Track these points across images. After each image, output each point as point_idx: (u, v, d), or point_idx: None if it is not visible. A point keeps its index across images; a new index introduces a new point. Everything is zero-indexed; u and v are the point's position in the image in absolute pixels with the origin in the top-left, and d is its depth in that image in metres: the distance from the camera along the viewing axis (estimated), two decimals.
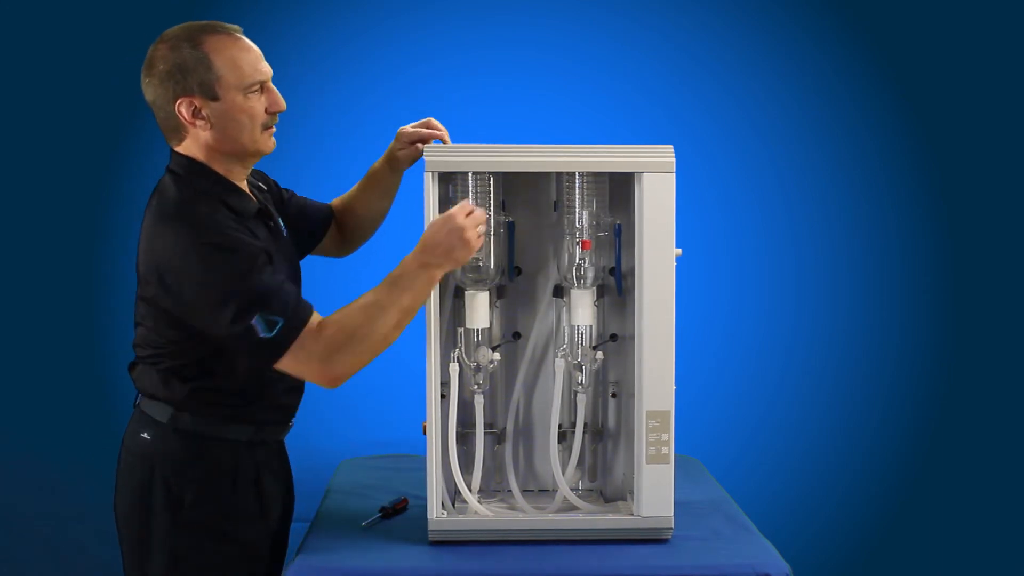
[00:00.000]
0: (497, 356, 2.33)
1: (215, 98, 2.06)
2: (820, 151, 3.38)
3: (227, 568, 2.17)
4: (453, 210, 2.10)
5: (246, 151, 2.13)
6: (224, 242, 1.99)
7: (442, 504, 2.25)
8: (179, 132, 2.10)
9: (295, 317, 2.00)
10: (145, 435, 2.13)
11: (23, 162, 3.27)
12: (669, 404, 2.21)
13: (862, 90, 3.36)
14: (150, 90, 2.10)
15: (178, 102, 2.06)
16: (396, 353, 3.26)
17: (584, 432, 2.34)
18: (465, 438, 2.38)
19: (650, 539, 2.25)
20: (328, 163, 3.28)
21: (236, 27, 2.12)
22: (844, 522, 3.40)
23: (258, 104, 2.10)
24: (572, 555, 2.19)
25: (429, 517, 2.22)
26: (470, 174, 2.25)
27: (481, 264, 2.28)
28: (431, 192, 2.17)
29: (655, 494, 2.23)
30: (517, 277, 2.40)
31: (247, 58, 2.08)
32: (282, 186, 2.49)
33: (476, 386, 2.33)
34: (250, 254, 2.00)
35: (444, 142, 2.43)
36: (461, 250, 2.09)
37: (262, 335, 1.98)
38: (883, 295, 3.41)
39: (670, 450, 2.22)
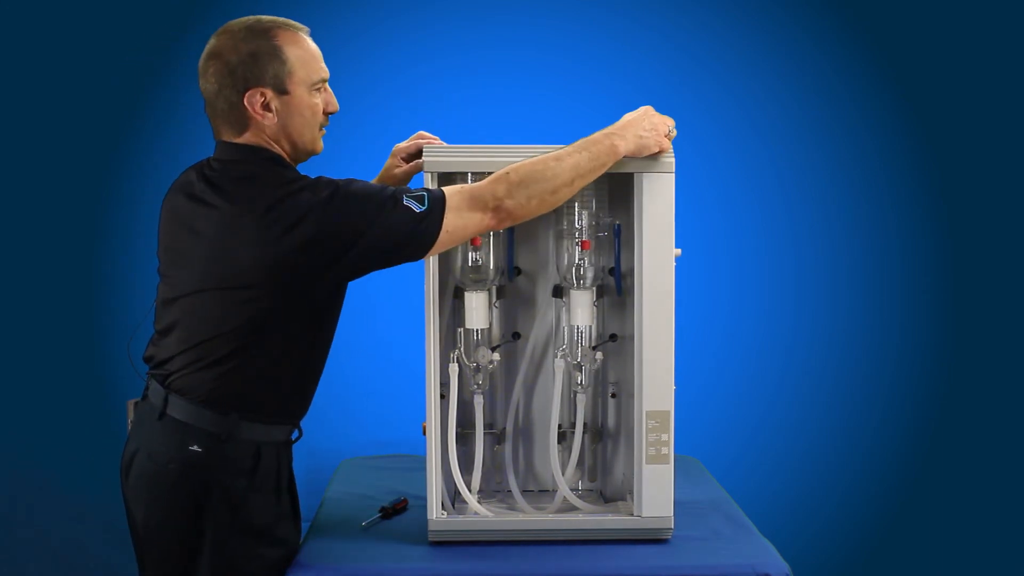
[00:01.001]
0: (497, 356, 2.33)
1: (285, 92, 2.08)
2: (820, 151, 3.38)
3: (274, 572, 2.14)
4: (650, 109, 2.20)
5: (304, 148, 2.16)
6: (344, 181, 2.08)
7: (442, 504, 2.25)
8: (241, 123, 2.09)
9: (430, 189, 2.09)
10: (196, 447, 2.05)
11: (23, 162, 3.27)
12: (669, 404, 2.22)
13: (862, 90, 3.36)
14: (214, 79, 2.08)
15: (248, 93, 2.06)
16: (396, 353, 3.29)
17: (584, 432, 2.34)
18: (465, 438, 2.38)
19: (650, 539, 2.25)
20: (328, 163, 3.27)
21: (303, 27, 2.15)
22: (844, 522, 3.40)
23: (320, 102, 2.14)
24: (572, 555, 2.19)
25: (429, 517, 2.22)
26: (470, 174, 2.25)
27: (481, 264, 2.28)
28: None
29: (655, 494, 2.23)
30: (517, 277, 2.40)
31: (315, 55, 2.13)
32: None
33: (476, 386, 2.33)
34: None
35: None
36: (650, 138, 2.16)
37: (418, 210, 2.02)
38: (883, 295, 3.41)
39: (670, 450, 2.23)
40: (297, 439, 2.22)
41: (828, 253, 3.40)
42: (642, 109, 2.21)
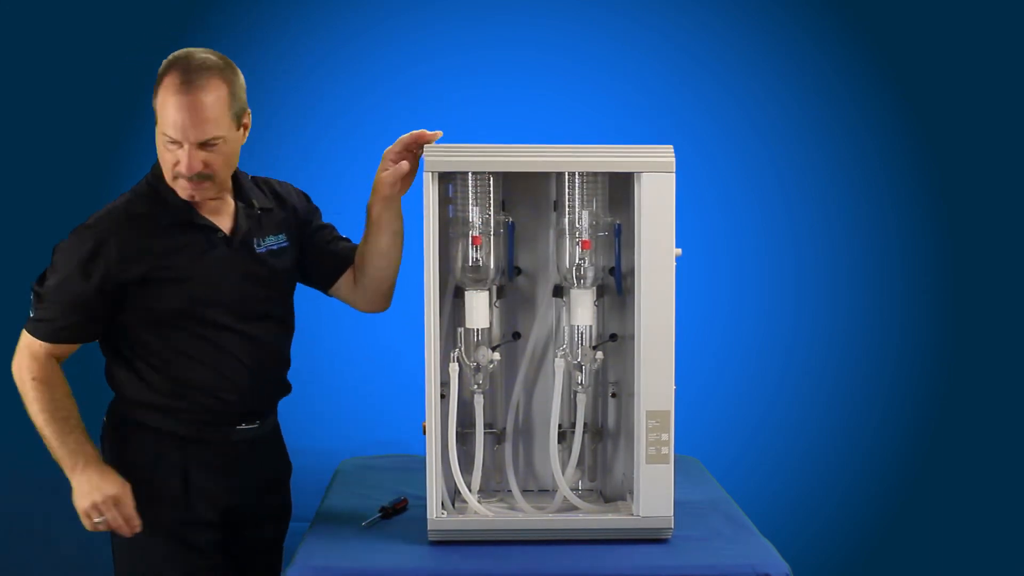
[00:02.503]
0: (497, 356, 2.33)
1: (156, 123, 2.20)
2: (820, 151, 3.38)
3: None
4: (94, 508, 2.22)
5: (165, 175, 2.24)
6: (78, 239, 2.24)
7: (442, 504, 2.25)
8: None
9: (32, 322, 2.28)
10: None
11: (23, 162, 3.27)
12: (669, 404, 2.21)
13: (862, 90, 3.36)
14: None
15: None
16: (396, 353, 3.29)
17: (584, 432, 2.34)
18: (465, 438, 2.37)
19: (650, 539, 2.25)
20: (328, 163, 3.28)
21: (208, 76, 2.16)
22: (844, 522, 3.40)
23: (168, 155, 2.19)
24: (572, 555, 2.19)
25: (429, 517, 2.22)
26: (470, 174, 2.25)
27: (481, 264, 2.28)
28: (431, 192, 2.17)
29: (655, 494, 2.22)
30: (517, 277, 2.40)
31: (175, 111, 2.15)
32: (313, 206, 2.52)
33: (476, 386, 2.33)
34: (73, 260, 2.24)
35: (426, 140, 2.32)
36: (77, 501, 2.22)
37: (30, 312, 2.30)
38: (883, 295, 3.41)
39: (670, 450, 2.22)
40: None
41: (828, 253, 3.40)
42: (99, 492, 2.22)
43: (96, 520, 2.21)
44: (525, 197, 2.38)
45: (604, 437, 2.43)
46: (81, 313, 2.25)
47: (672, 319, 2.20)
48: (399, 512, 2.44)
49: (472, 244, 2.27)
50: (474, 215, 2.27)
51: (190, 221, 2.26)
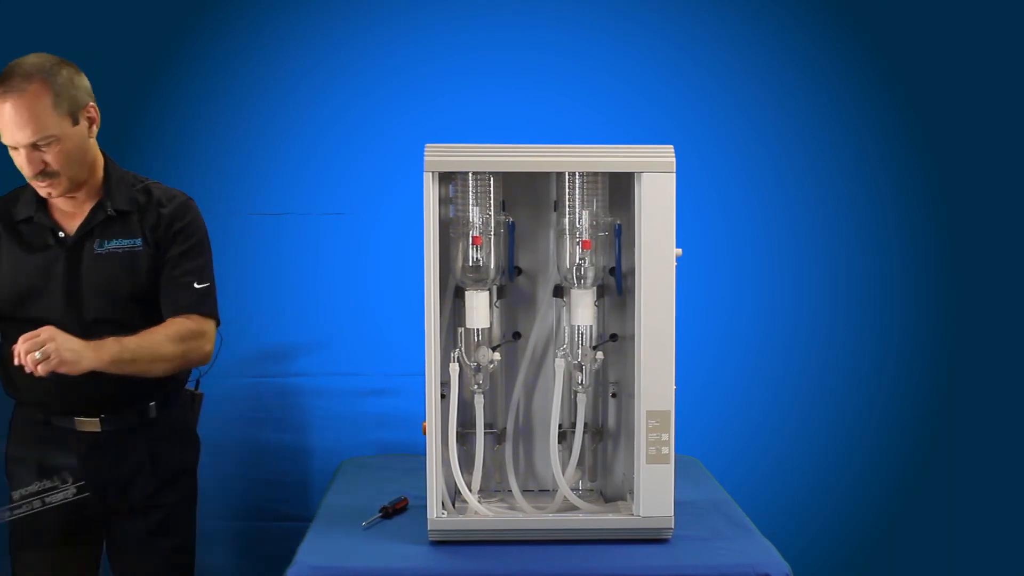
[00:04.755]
0: (497, 356, 2.33)
1: None
2: (820, 151, 3.37)
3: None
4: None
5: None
6: None
7: (442, 504, 2.25)
8: None
9: None
10: None
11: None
12: (669, 404, 2.22)
13: (862, 90, 3.36)
14: None
15: None
16: (396, 353, 3.28)
17: (584, 432, 2.34)
18: (465, 438, 2.38)
19: (650, 539, 2.25)
20: (327, 163, 3.28)
21: (29, 80, 2.25)
22: (844, 522, 3.40)
23: (16, 158, 2.31)
24: (572, 555, 2.19)
25: (429, 517, 2.22)
26: (470, 174, 2.25)
27: (481, 264, 2.28)
28: (431, 192, 2.17)
29: (655, 494, 2.23)
30: (517, 277, 2.40)
31: (2, 123, 2.27)
32: (182, 232, 2.49)
33: (476, 386, 2.33)
34: None
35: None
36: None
37: None
38: (883, 295, 3.40)
39: (670, 450, 2.23)
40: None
41: (828, 253, 3.39)
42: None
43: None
44: (525, 197, 2.38)
45: (604, 437, 2.43)
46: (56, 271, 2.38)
47: (672, 319, 2.20)
48: (399, 512, 2.45)
49: (472, 244, 2.27)
50: (474, 215, 2.27)
51: (30, 218, 2.41)
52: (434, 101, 3.28)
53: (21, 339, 2.17)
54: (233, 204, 3.19)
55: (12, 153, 2.31)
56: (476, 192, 2.27)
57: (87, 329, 2.30)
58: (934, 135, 3.36)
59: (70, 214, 2.42)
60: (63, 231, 2.41)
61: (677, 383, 2.22)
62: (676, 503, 2.24)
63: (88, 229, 2.41)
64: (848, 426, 3.41)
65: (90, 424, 2.43)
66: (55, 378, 2.23)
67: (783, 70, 3.35)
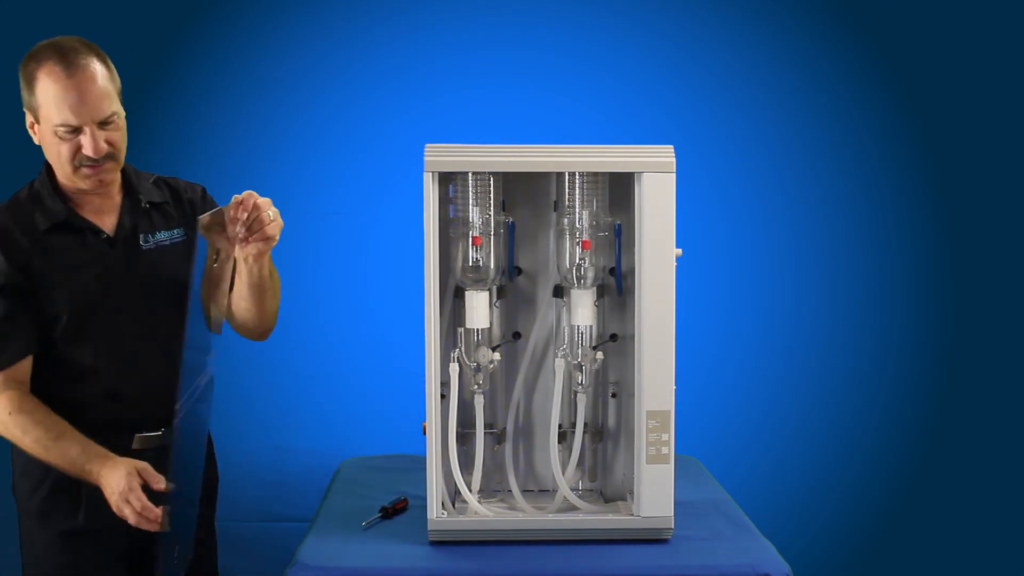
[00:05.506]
0: (497, 356, 2.33)
1: (39, 122, 2.14)
2: (820, 151, 3.38)
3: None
4: (131, 489, 2.06)
5: (60, 175, 2.18)
6: None
7: (442, 504, 2.25)
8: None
9: None
10: None
11: (23, 162, 3.26)
12: (669, 404, 2.21)
13: (862, 90, 3.36)
14: None
15: (25, 110, 2.16)
16: (396, 353, 3.29)
17: (584, 432, 2.34)
18: (465, 438, 2.38)
19: (650, 539, 2.25)
20: (327, 164, 3.28)
21: (84, 62, 2.09)
22: (844, 522, 3.40)
23: (66, 146, 2.11)
24: (572, 555, 2.19)
25: (429, 517, 2.22)
26: (470, 174, 2.25)
27: (481, 264, 2.28)
28: (431, 192, 2.17)
29: (655, 494, 2.23)
30: (517, 277, 2.40)
31: (65, 98, 2.08)
32: (209, 200, 2.39)
33: (476, 386, 2.33)
34: None
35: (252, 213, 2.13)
36: (110, 498, 2.07)
37: None
38: (883, 295, 3.40)
39: (670, 450, 2.22)
40: None
41: (828, 253, 3.40)
42: (126, 482, 2.06)
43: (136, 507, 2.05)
44: (525, 197, 2.38)
45: (604, 437, 2.43)
46: (9, 325, 2.15)
47: (672, 319, 2.20)
48: (399, 512, 2.44)
49: (472, 244, 2.27)
50: (474, 215, 2.27)
51: (68, 223, 2.19)
52: (434, 101, 3.28)
53: (252, 202, 2.03)
54: None
55: (63, 139, 2.09)
56: (476, 192, 2.27)
57: (155, 331, 2.21)
58: (934, 135, 3.37)
59: (99, 212, 2.23)
60: (104, 231, 2.22)
61: (677, 383, 2.22)
62: (676, 503, 2.24)
63: (132, 224, 2.23)
64: (848, 426, 3.41)
65: (149, 440, 2.24)
66: (129, 391, 2.19)
67: (783, 70, 3.35)
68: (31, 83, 2.10)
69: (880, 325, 3.41)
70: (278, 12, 3.28)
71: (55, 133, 2.10)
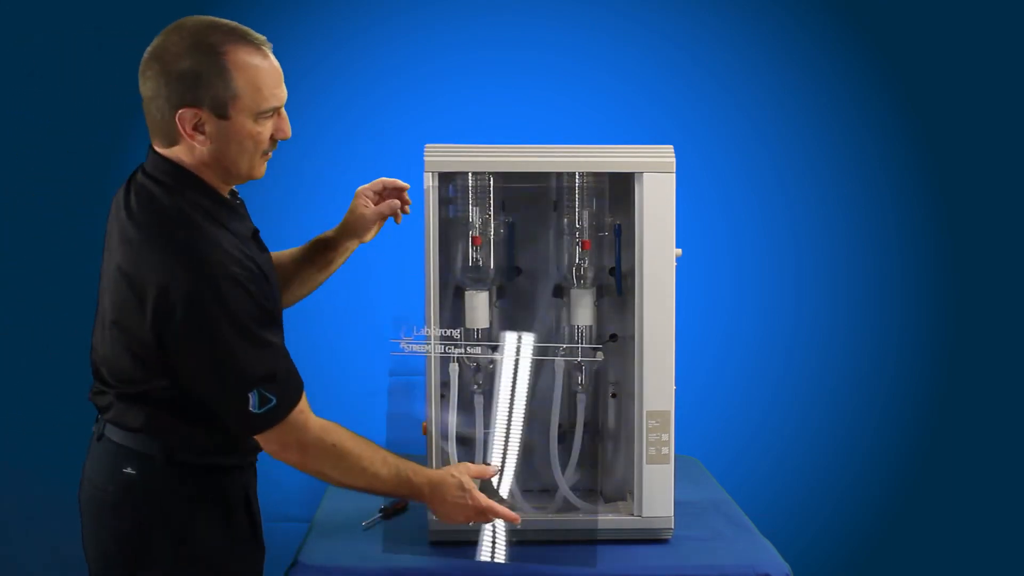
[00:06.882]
0: (497, 356, 2.33)
1: (224, 116, 1.86)
2: (820, 151, 3.38)
3: None
4: (479, 497, 2.07)
5: (237, 175, 1.94)
6: (239, 286, 1.82)
7: None
8: (170, 137, 1.88)
9: (287, 398, 1.91)
10: (129, 470, 1.90)
11: (22, 163, 3.27)
12: (669, 404, 2.22)
13: (862, 90, 3.36)
14: (152, 83, 1.85)
15: (182, 111, 1.84)
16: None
17: (584, 432, 2.34)
18: (465, 438, 2.37)
19: (650, 539, 2.25)
20: (326, 164, 3.28)
21: (263, 38, 1.91)
22: (844, 522, 3.40)
23: (266, 129, 1.91)
24: (572, 555, 2.19)
25: (429, 517, 2.22)
26: (470, 174, 2.25)
27: (481, 264, 2.28)
28: (431, 192, 2.17)
29: (655, 494, 2.23)
30: (517, 277, 2.40)
31: (269, 80, 1.88)
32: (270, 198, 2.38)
33: (476, 386, 2.33)
34: (264, 311, 1.86)
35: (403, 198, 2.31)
36: (454, 517, 2.08)
37: (252, 409, 1.86)
38: (883, 295, 3.40)
39: (670, 450, 2.23)
40: (249, 464, 2.07)
41: (828, 253, 3.39)
42: (467, 491, 2.07)
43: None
44: (525, 197, 2.38)
45: (604, 437, 2.43)
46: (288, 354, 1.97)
47: (672, 319, 2.20)
48: (399, 512, 2.45)
49: (472, 244, 2.27)
50: (474, 215, 2.27)
51: (253, 234, 2.00)
52: (434, 101, 3.28)
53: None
54: None
55: (259, 124, 1.89)
56: (476, 192, 2.27)
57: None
58: (934, 135, 3.36)
59: None
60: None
61: (677, 383, 2.22)
62: (676, 503, 2.24)
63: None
64: (848, 426, 3.41)
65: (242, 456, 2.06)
66: None
67: (783, 70, 3.35)
68: (225, 73, 1.83)
69: (880, 325, 3.41)
70: (278, 12, 3.28)
71: (257, 120, 1.88)
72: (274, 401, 1.88)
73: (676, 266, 2.20)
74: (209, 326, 1.80)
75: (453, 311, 2.32)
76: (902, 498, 3.41)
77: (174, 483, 1.92)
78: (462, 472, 2.09)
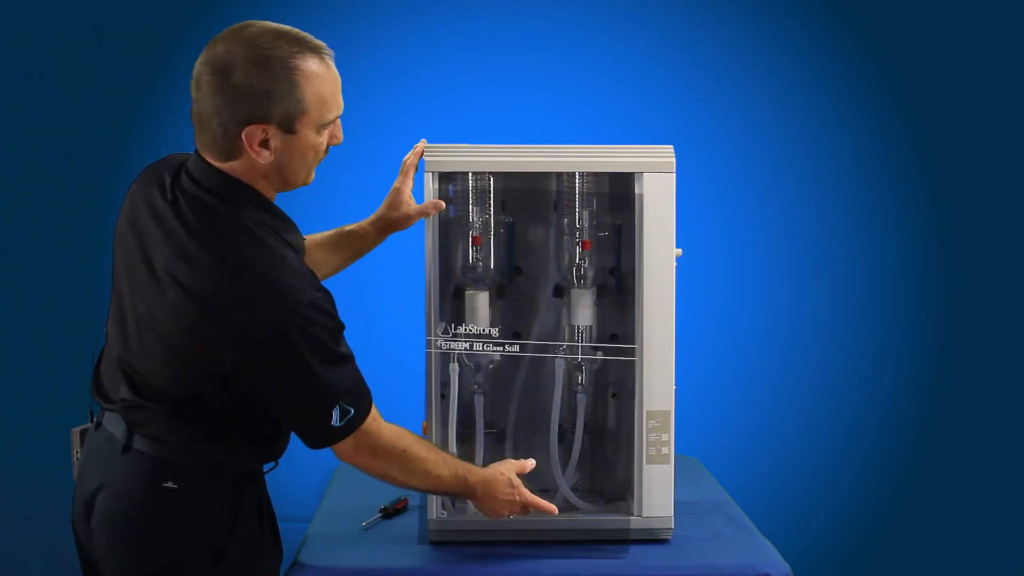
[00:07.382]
0: (497, 356, 2.33)
1: (291, 131, 1.81)
2: (820, 151, 3.38)
3: None
4: (525, 493, 2.13)
5: (295, 185, 1.92)
6: (319, 310, 1.82)
7: (442, 504, 2.25)
8: (230, 152, 1.82)
9: (363, 408, 1.92)
10: (171, 484, 1.84)
11: (22, 163, 3.27)
12: (669, 404, 2.22)
13: (862, 90, 3.36)
14: (213, 95, 1.79)
15: (250, 127, 1.79)
16: (396, 353, 3.29)
17: (584, 432, 2.34)
18: (465, 438, 2.37)
19: (650, 539, 2.25)
20: (327, 163, 3.27)
21: (323, 45, 1.87)
22: (844, 522, 3.40)
23: (325, 139, 1.88)
24: (572, 555, 2.19)
25: (429, 517, 2.23)
26: (470, 174, 2.25)
27: (481, 264, 2.28)
28: (431, 192, 2.17)
29: (655, 494, 2.23)
30: (517, 277, 2.40)
31: (335, 91, 1.85)
32: None
33: (476, 386, 2.33)
34: (339, 325, 1.88)
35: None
36: (500, 512, 2.13)
37: (333, 423, 1.88)
38: (883, 295, 3.40)
39: (670, 450, 2.23)
40: (272, 469, 2.05)
41: (828, 253, 3.39)
42: (514, 487, 2.12)
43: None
44: (525, 197, 2.38)
45: (604, 437, 2.43)
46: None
47: (672, 319, 2.20)
48: (399, 512, 2.45)
49: (472, 244, 2.27)
50: (474, 215, 2.27)
51: (303, 238, 1.99)
52: (434, 101, 3.28)
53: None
54: None
55: (320, 134, 1.86)
56: (476, 192, 2.27)
57: None
58: (934, 135, 3.36)
59: None
60: None
61: (677, 383, 2.22)
62: (676, 503, 2.24)
63: None
64: (848, 426, 3.41)
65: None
66: None
67: (783, 70, 3.35)
68: (295, 88, 1.79)
69: (880, 325, 3.41)
70: (278, 12, 3.27)
71: (320, 131, 1.85)
72: (352, 412, 1.89)
73: (676, 266, 2.20)
74: (299, 356, 1.80)
75: (453, 311, 2.32)
76: (902, 498, 3.41)
77: (216, 494, 1.89)
78: (509, 469, 2.14)
